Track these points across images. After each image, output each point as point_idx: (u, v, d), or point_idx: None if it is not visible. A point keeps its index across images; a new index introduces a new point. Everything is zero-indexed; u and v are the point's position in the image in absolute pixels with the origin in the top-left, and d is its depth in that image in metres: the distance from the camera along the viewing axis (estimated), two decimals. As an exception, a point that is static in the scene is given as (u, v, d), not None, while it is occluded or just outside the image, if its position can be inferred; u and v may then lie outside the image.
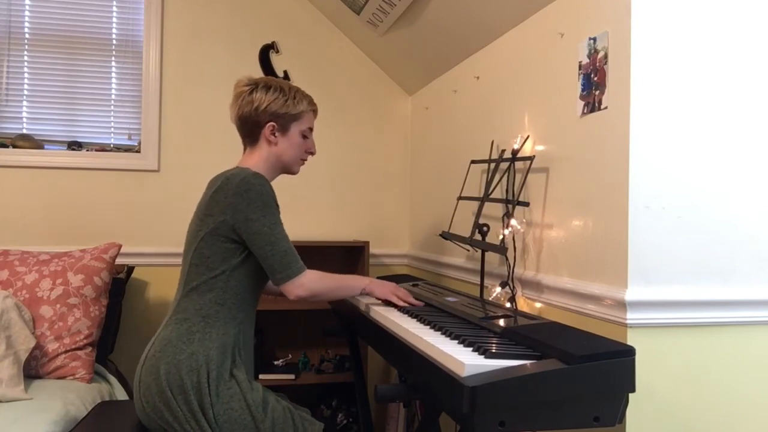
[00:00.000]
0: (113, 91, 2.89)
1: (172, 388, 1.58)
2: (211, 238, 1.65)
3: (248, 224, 1.61)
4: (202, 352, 1.60)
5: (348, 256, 3.01)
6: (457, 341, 1.32)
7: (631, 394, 1.21)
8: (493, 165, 1.99)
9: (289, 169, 1.83)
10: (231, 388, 1.60)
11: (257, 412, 1.59)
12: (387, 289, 1.81)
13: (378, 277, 2.44)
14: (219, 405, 1.57)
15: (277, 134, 1.76)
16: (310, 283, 1.65)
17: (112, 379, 2.40)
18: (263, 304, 2.70)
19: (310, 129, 1.83)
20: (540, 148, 1.83)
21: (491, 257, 2.10)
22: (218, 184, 1.67)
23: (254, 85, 1.76)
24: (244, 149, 1.82)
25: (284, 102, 1.75)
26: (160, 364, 1.60)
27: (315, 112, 1.84)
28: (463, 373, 1.10)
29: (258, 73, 2.94)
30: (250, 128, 1.77)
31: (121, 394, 2.36)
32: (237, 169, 1.70)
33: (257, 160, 1.78)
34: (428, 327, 1.49)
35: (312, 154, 1.86)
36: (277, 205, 1.67)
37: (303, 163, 1.85)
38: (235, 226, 1.63)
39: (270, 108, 1.74)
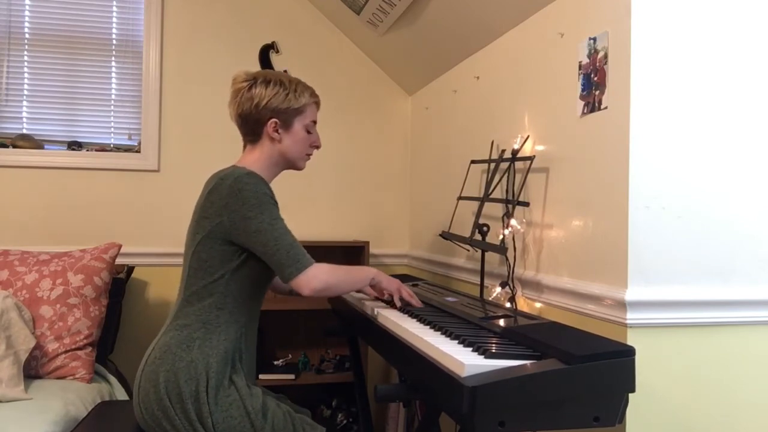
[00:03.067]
0: (113, 91, 2.89)
1: (171, 396, 1.54)
2: (208, 241, 1.60)
3: (246, 223, 1.55)
4: (202, 359, 1.56)
5: (348, 256, 3.01)
6: (457, 341, 1.32)
7: (631, 394, 1.21)
8: (493, 165, 1.99)
9: (294, 165, 1.77)
10: (230, 395, 1.56)
11: (257, 419, 1.55)
12: (394, 282, 1.76)
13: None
14: (218, 413, 1.53)
15: (280, 131, 1.70)
16: (323, 275, 1.57)
17: (112, 379, 2.40)
18: (263, 304, 2.70)
19: (314, 122, 1.76)
20: (540, 148, 1.83)
21: (491, 257, 2.10)
22: (212, 184, 1.62)
23: (253, 81, 1.69)
24: (244, 146, 1.76)
25: (285, 96, 1.68)
26: (159, 371, 1.56)
27: (318, 104, 1.78)
28: (463, 373, 1.10)
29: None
30: (251, 126, 1.70)
31: (121, 394, 2.36)
32: (231, 169, 1.64)
33: (258, 156, 1.71)
34: (428, 327, 1.49)
35: (317, 147, 1.79)
36: (275, 201, 1.61)
37: (309, 158, 1.78)
38: (233, 227, 1.57)
39: (271, 104, 1.67)
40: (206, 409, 1.53)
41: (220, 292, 1.61)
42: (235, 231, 1.58)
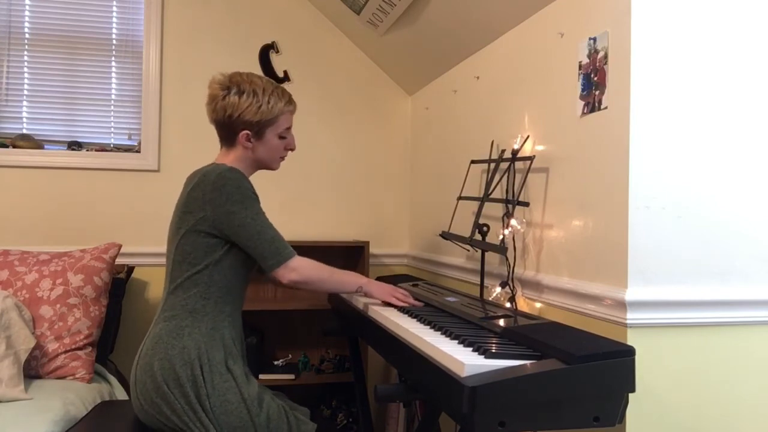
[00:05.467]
0: (113, 91, 2.89)
1: (168, 382, 1.59)
2: (191, 234, 1.66)
3: (230, 218, 1.62)
4: (193, 345, 1.61)
5: (348, 256, 3.01)
6: (457, 341, 1.32)
7: (631, 394, 1.21)
8: (493, 165, 1.99)
9: (267, 167, 1.83)
10: (227, 381, 1.61)
11: (252, 405, 1.61)
12: (385, 290, 1.81)
13: (377, 278, 2.45)
14: (215, 397, 1.59)
15: (252, 140, 1.76)
16: (303, 269, 1.67)
17: (112, 379, 2.40)
18: (263, 304, 2.70)
19: (288, 128, 1.80)
20: (540, 148, 1.83)
21: (491, 257, 2.10)
22: (195, 180, 1.68)
23: (227, 91, 1.73)
24: (222, 146, 1.82)
25: (258, 109, 1.72)
26: (153, 361, 1.61)
27: (292, 111, 1.81)
28: (463, 373, 1.10)
29: (257, 72, 2.94)
30: (226, 132, 1.77)
31: (121, 394, 2.36)
32: (212, 165, 1.71)
33: (233, 159, 1.78)
34: (428, 327, 1.49)
35: (291, 150, 1.84)
36: (256, 196, 1.68)
37: (282, 160, 1.84)
38: (216, 221, 1.64)
39: (243, 116, 1.72)
40: (204, 392, 1.58)
41: (204, 282, 1.67)
42: (219, 225, 1.64)
